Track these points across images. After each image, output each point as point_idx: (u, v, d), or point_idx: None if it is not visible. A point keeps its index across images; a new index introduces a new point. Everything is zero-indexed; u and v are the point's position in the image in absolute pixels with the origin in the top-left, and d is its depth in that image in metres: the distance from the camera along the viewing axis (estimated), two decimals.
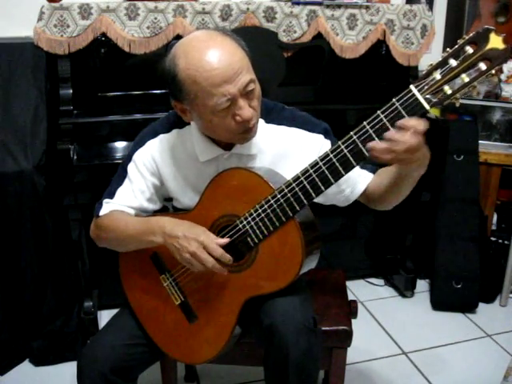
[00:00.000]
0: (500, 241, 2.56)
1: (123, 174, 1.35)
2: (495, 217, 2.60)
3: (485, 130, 2.56)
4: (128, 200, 1.33)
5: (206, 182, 1.27)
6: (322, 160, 1.12)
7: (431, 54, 2.52)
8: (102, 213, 1.33)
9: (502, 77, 2.59)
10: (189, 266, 1.21)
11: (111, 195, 1.34)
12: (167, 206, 1.50)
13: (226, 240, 1.21)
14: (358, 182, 1.31)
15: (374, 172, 1.32)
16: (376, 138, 1.05)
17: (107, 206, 1.34)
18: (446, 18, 2.86)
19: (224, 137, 1.23)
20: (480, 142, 2.41)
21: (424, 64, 2.42)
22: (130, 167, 1.34)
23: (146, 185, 1.34)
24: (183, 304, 1.32)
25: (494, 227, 2.60)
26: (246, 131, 1.20)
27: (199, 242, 1.17)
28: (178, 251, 1.20)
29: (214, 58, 1.11)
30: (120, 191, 1.34)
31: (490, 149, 2.48)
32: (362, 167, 1.31)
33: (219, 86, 1.12)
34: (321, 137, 1.31)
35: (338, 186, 1.26)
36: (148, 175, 1.33)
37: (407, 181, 1.18)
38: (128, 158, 1.35)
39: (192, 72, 1.12)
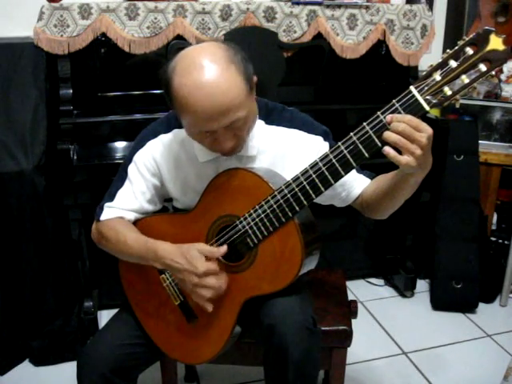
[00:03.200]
0: (500, 241, 2.56)
1: (123, 176, 1.34)
2: (495, 217, 2.60)
3: (485, 130, 2.56)
4: (128, 202, 1.33)
5: (205, 182, 1.27)
6: (321, 160, 1.12)
7: (431, 54, 2.52)
8: (102, 217, 1.33)
9: (502, 77, 2.59)
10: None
11: (112, 198, 1.34)
12: (167, 207, 1.50)
13: (224, 249, 1.21)
14: (354, 186, 1.31)
15: (371, 178, 1.32)
16: (376, 139, 1.05)
17: (108, 211, 1.33)
18: (445, 18, 2.86)
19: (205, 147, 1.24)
20: (480, 142, 2.41)
21: (424, 64, 2.42)
22: (131, 168, 1.34)
23: (147, 186, 1.33)
24: (183, 304, 1.31)
25: (494, 227, 2.60)
26: (224, 154, 1.23)
27: (199, 275, 1.17)
28: (180, 282, 1.24)
29: (202, 94, 1.08)
30: (120, 193, 1.33)
31: (490, 149, 2.48)
32: (359, 172, 1.31)
33: (202, 121, 1.12)
34: (320, 139, 1.31)
35: (333, 189, 1.25)
36: (149, 176, 1.33)
37: (404, 186, 1.15)
38: (128, 159, 1.35)
39: (181, 94, 1.11)
